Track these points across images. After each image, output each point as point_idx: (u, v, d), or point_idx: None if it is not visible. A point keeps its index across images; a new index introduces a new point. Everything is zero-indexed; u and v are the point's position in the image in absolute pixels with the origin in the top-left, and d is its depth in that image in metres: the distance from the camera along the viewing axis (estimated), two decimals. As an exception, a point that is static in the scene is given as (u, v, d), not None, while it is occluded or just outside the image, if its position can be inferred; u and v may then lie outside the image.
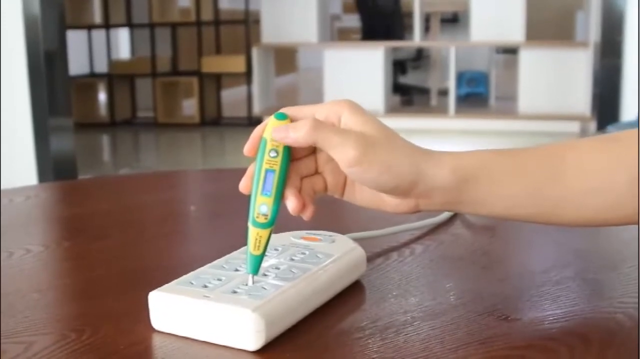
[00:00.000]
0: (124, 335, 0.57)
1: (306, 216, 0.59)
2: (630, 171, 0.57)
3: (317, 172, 0.62)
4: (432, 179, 0.58)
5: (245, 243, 0.59)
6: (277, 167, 0.58)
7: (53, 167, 3.69)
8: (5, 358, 0.54)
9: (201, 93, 6.72)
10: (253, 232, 0.58)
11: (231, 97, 7.26)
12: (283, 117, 0.59)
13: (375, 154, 0.56)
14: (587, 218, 0.60)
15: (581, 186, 0.58)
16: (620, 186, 0.58)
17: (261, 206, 0.58)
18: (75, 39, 6.52)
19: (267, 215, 0.58)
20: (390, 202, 0.61)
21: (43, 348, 0.55)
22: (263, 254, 0.59)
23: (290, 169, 0.59)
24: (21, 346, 0.56)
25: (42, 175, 3.67)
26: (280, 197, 0.58)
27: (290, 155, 0.59)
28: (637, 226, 0.59)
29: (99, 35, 7.10)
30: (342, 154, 0.57)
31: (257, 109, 6.53)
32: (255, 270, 0.59)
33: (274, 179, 0.58)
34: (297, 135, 0.57)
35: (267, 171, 0.58)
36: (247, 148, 0.59)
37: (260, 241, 0.58)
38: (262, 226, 0.58)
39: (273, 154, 0.58)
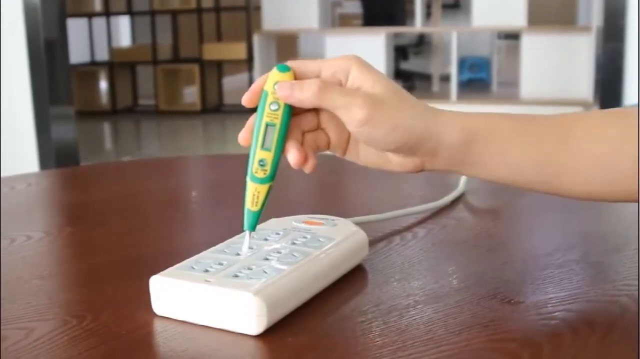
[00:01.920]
0: (125, 321, 0.57)
1: (308, 168, 0.58)
2: (637, 146, 0.57)
3: (319, 128, 0.60)
4: (440, 137, 0.57)
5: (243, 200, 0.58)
6: (277, 121, 0.56)
7: (55, 155, 3.68)
8: (7, 344, 0.53)
9: (202, 80, 6.71)
10: (251, 187, 0.57)
11: (232, 84, 7.25)
12: (286, 69, 0.57)
13: (383, 113, 0.56)
14: (591, 191, 0.60)
15: (588, 156, 0.58)
16: (626, 159, 0.57)
17: (260, 161, 0.57)
18: (76, 27, 6.51)
19: (266, 170, 0.57)
20: (395, 161, 0.60)
21: (44, 334, 0.55)
22: (261, 211, 0.58)
23: (291, 122, 0.57)
24: (22, 332, 0.55)
25: (44, 164, 3.67)
26: (280, 152, 0.57)
27: (292, 108, 0.57)
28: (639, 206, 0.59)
29: (99, 23, 7.08)
30: (350, 114, 0.56)
31: (258, 97, 6.51)
32: (253, 226, 0.58)
33: (274, 133, 0.57)
34: (303, 96, 0.56)
35: (267, 124, 0.56)
36: (247, 98, 0.58)
37: (258, 196, 0.57)
38: (261, 180, 0.57)
39: (274, 106, 0.57)
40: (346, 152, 0.61)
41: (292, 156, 0.57)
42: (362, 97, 0.56)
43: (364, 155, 0.61)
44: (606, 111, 0.61)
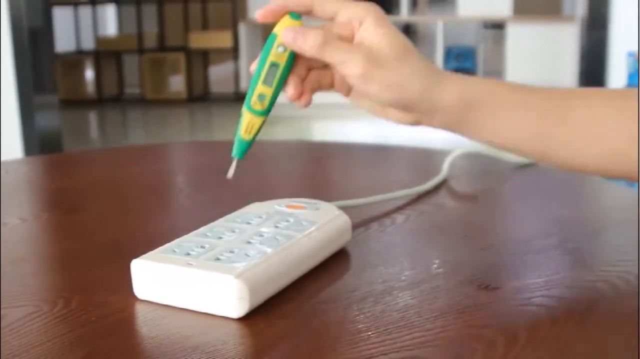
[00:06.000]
0: (98, 306, 0.56)
1: (302, 102, 0.59)
2: (631, 124, 0.57)
3: (326, 66, 0.61)
4: (438, 100, 0.58)
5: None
6: (282, 62, 0.59)
7: (39, 144, 3.66)
8: (-24, 331, 0.53)
9: (188, 69, 6.67)
10: (247, 116, 0.59)
11: (218, 73, 7.22)
12: (297, 17, 0.59)
13: (378, 72, 0.57)
14: (585, 164, 0.60)
15: (585, 133, 0.59)
16: (622, 136, 0.58)
17: (260, 95, 0.59)
18: (62, 16, 6.46)
19: (264, 103, 0.59)
20: (394, 113, 0.61)
21: (15, 321, 0.54)
22: (252, 141, 0.59)
23: (298, 59, 0.59)
24: (-8, 319, 0.54)
25: (28, 153, 3.64)
26: (279, 90, 0.59)
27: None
28: (627, 184, 0.59)
29: (85, 11, 7.03)
30: (346, 69, 0.57)
31: (244, 85, 6.49)
32: (242, 154, 0.59)
33: (277, 72, 0.59)
34: (305, 46, 0.57)
35: (272, 63, 0.58)
36: (261, 13, 0.59)
37: (252, 126, 0.59)
38: (258, 112, 0.59)
39: (281, 49, 0.59)
40: (349, 94, 0.62)
41: (289, 90, 0.59)
42: (360, 53, 0.57)
43: (366, 101, 0.62)
44: (607, 89, 0.62)
